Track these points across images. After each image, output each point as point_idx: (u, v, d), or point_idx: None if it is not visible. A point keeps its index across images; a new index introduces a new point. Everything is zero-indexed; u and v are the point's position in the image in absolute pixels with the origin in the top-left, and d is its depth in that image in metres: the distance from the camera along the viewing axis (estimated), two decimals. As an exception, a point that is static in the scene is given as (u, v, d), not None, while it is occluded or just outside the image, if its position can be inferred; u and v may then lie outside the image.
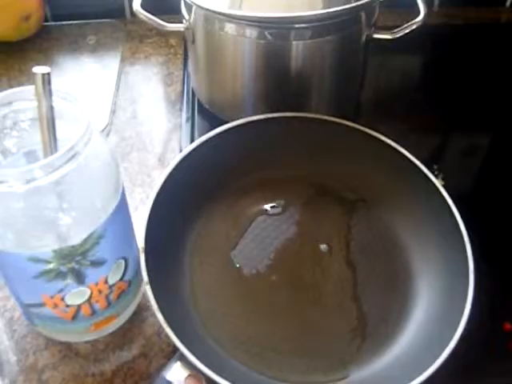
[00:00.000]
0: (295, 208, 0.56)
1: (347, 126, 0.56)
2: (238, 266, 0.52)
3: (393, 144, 0.54)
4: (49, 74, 0.37)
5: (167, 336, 0.48)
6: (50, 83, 0.37)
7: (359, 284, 0.51)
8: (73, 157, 0.36)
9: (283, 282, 0.51)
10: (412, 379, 0.40)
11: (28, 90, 0.39)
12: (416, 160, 0.53)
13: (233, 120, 0.56)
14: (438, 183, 0.51)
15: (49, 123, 0.38)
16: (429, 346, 0.44)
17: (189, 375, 0.41)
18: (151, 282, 0.43)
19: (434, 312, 0.47)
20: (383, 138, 0.55)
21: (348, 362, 0.47)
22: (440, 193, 0.50)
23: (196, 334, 0.46)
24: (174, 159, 0.52)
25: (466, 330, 0.42)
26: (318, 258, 0.53)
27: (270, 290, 0.50)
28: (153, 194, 0.48)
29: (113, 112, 0.70)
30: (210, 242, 0.53)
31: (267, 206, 0.56)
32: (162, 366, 0.46)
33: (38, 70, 0.37)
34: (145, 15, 0.62)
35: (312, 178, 0.58)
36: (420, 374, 0.40)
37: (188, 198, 0.52)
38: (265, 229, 0.55)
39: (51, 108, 0.37)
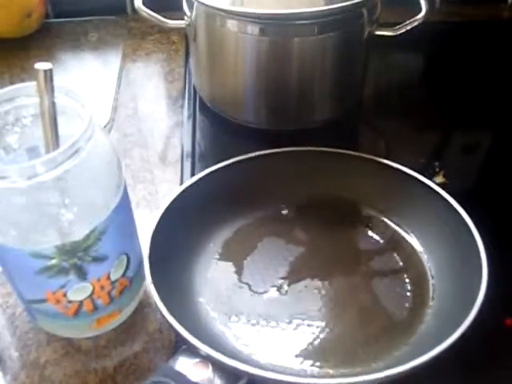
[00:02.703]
0: (305, 230, 0.56)
1: (362, 157, 0.56)
2: (247, 283, 0.51)
3: (407, 170, 0.54)
4: (51, 70, 0.37)
5: (169, 332, 0.48)
6: (52, 79, 0.37)
7: (373, 289, 0.51)
8: (75, 153, 0.36)
9: (295, 293, 0.50)
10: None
11: (30, 86, 0.40)
12: (433, 184, 0.53)
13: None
14: (452, 200, 0.51)
15: (51, 119, 0.38)
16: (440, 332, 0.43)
17: (196, 362, 0.41)
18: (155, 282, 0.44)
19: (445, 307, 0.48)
20: (400, 167, 0.55)
21: (359, 360, 0.46)
22: (456, 210, 0.50)
23: (202, 325, 0.47)
24: (173, 192, 0.52)
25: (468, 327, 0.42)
26: (330, 273, 0.52)
27: (281, 301, 0.50)
28: (156, 218, 0.49)
29: (114, 109, 0.70)
30: (218, 259, 0.53)
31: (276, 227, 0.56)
32: (164, 363, 0.46)
33: (40, 66, 0.37)
34: (146, 12, 0.62)
35: (324, 201, 0.57)
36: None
37: (193, 221, 0.52)
38: (274, 249, 0.54)
39: (53, 104, 0.38)
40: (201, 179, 0.53)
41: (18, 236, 0.38)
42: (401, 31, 0.61)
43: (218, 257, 0.53)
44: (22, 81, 0.73)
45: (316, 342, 0.47)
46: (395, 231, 0.55)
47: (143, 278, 0.50)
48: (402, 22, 0.61)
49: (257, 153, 0.56)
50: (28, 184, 0.35)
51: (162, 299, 0.43)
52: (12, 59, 0.77)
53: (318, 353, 0.46)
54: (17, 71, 0.76)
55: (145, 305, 0.50)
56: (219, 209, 0.54)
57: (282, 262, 0.53)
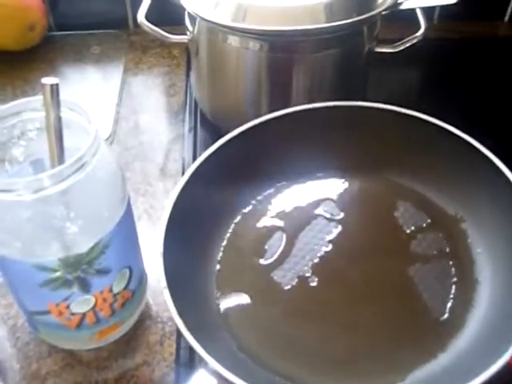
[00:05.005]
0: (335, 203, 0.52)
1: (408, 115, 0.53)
2: (271, 275, 0.49)
3: (466, 137, 0.52)
4: (57, 85, 0.37)
5: (170, 344, 0.49)
6: (58, 94, 0.38)
7: (415, 277, 0.48)
8: (81, 167, 0.37)
9: (325, 285, 0.47)
10: (476, 375, 0.37)
11: (36, 101, 0.40)
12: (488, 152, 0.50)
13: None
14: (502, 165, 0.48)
15: (56, 133, 0.38)
16: (493, 342, 0.41)
17: None
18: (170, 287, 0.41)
19: (498, 305, 0.44)
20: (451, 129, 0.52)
21: (407, 363, 0.43)
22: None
23: (223, 343, 0.44)
24: (192, 166, 0.50)
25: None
26: (363, 254, 0.49)
27: (310, 294, 0.47)
28: (169, 205, 0.47)
29: (116, 122, 0.71)
30: (236, 249, 0.51)
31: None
32: (165, 375, 0.47)
33: (47, 80, 0.37)
34: (149, 27, 0.63)
35: (355, 169, 0.54)
36: (485, 369, 0.37)
37: (208, 209, 0.50)
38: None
39: (59, 118, 0.38)
40: (218, 150, 0.51)
41: (22, 248, 0.38)
42: (400, 48, 0.62)
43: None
44: (25, 92, 0.74)
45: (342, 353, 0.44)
46: (442, 210, 0.50)
47: (145, 290, 0.50)
48: (400, 38, 0.62)
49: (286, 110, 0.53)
50: (34, 197, 0.36)
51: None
52: (14, 71, 0.78)
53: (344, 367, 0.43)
54: (19, 83, 0.76)
55: (146, 317, 0.51)
56: (237, 180, 0.52)
57: (312, 245, 0.49)
